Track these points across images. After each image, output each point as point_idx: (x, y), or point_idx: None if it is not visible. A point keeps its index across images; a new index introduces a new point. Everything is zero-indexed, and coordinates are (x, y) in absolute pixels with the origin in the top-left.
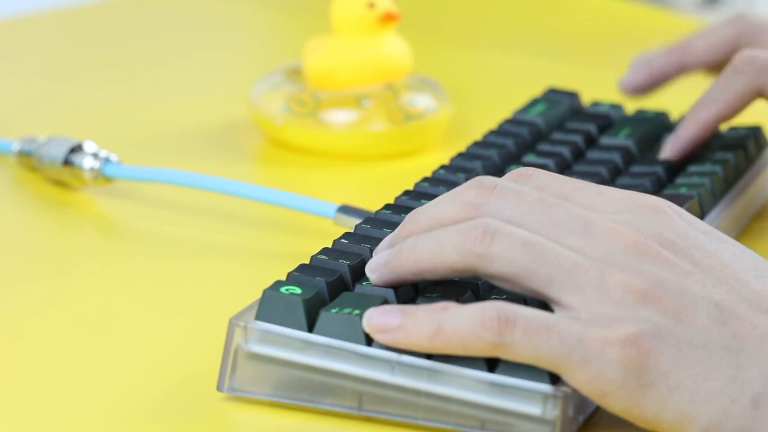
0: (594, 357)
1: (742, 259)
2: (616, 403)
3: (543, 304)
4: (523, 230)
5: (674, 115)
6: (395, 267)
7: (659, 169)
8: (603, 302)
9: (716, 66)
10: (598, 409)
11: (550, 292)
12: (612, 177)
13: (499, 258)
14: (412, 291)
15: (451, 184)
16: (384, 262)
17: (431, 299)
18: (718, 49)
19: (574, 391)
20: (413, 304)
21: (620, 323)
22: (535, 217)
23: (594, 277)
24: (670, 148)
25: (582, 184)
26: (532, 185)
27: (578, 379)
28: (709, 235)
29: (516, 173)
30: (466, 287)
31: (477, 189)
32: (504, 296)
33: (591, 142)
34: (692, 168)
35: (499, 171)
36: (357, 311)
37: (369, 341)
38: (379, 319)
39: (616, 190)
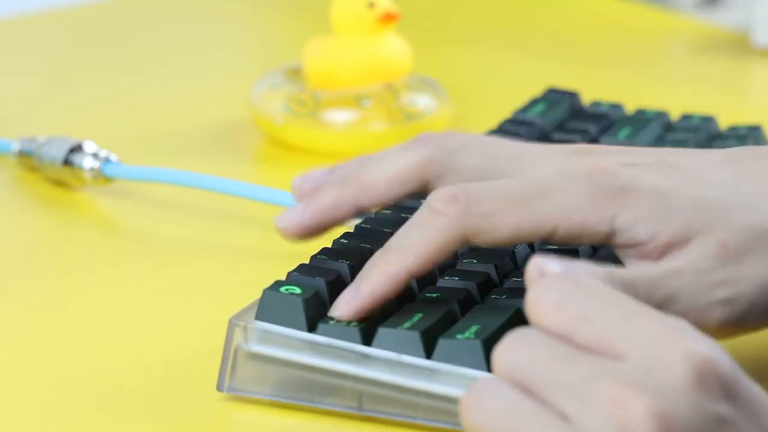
0: None
1: None
2: None
3: None
4: (512, 395)
5: (674, 114)
6: None
7: None
8: None
9: (399, 201)
10: None
11: None
12: None
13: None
14: (410, 291)
15: None
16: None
17: (431, 299)
18: (404, 182)
19: None
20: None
21: None
22: (543, 377)
23: None
24: (346, 305)
25: (610, 300)
26: (554, 293)
27: None
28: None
29: (536, 270)
30: (464, 290)
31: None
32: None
33: (591, 142)
34: None
35: None
36: None
37: (369, 341)
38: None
39: (647, 318)
